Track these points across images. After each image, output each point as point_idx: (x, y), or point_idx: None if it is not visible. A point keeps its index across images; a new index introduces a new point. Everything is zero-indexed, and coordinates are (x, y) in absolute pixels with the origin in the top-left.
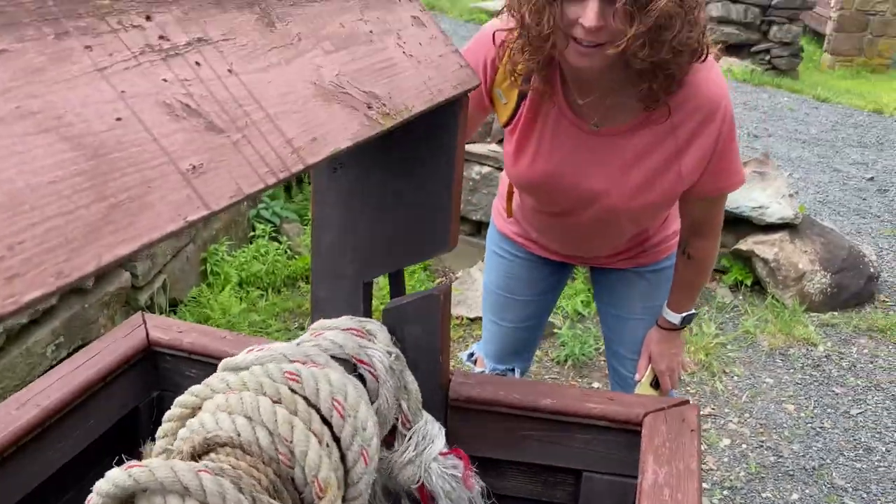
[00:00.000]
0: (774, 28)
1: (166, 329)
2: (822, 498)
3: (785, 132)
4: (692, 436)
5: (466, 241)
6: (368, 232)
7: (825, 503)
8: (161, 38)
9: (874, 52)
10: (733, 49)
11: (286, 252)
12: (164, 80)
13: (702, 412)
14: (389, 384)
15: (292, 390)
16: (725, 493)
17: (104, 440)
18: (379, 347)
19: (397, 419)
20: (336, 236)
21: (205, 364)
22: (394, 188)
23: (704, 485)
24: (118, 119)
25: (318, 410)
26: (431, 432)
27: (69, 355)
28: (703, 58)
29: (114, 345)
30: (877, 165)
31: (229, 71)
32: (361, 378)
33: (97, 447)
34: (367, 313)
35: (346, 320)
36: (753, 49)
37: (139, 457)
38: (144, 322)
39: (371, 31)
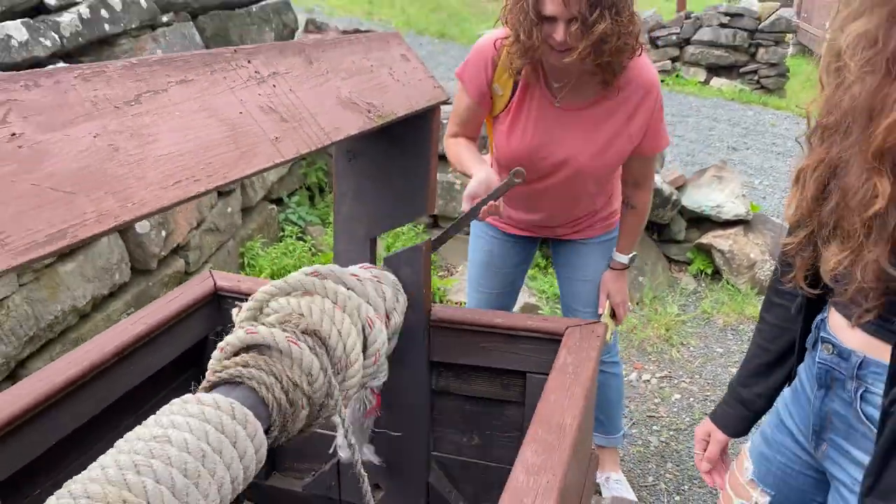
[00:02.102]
0: (762, 50)
1: (229, 280)
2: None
3: (763, 145)
4: (597, 340)
5: (465, 240)
6: (374, 202)
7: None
8: (256, 72)
9: None
10: (723, 70)
11: (311, 249)
12: (259, 94)
13: (659, 374)
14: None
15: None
16: (671, 433)
17: (182, 359)
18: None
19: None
20: (351, 206)
21: None
22: (390, 172)
23: (654, 427)
24: (240, 113)
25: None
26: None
27: None
28: (638, 54)
29: (192, 289)
30: None
31: (290, 90)
32: None
33: (176, 363)
34: (373, 261)
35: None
36: (742, 70)
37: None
38: (212, 276)
39: (371, 66)
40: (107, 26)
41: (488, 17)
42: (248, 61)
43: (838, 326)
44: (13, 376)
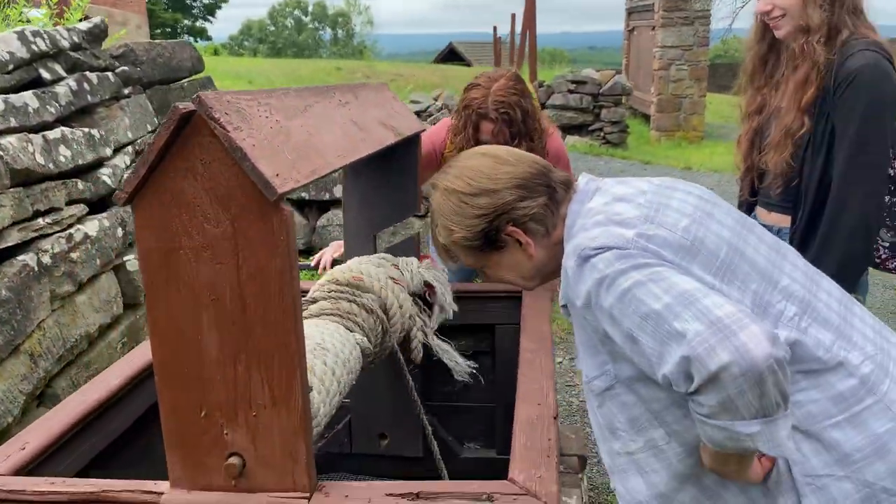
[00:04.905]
0: (604, 111)
1: None
2: None
3: None
4: (547, 293)
5: None
6: (374, 208)
7: None
8: (339, 100)
9: (689, 127)
10: (575, 129)
11: None
12: (345, 112)
13: (569, 357)
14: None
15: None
16: None
17: None
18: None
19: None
20: (357, 211)
21: None
22: (387, 183)
23: (573, 391)
24: (343, 122)
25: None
26: (412, 264)
27: (129, 350)
28: (549, 133)
29: None
30: None
31: (356, 112)
32: None
33: None
34: (374, 252)
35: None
36: (590, 128)
37: None
38: None
39: (383, 102)
40: (88, 97)
41: None
42: (334, 93)
43: (762, 213)
44: (42, 395)
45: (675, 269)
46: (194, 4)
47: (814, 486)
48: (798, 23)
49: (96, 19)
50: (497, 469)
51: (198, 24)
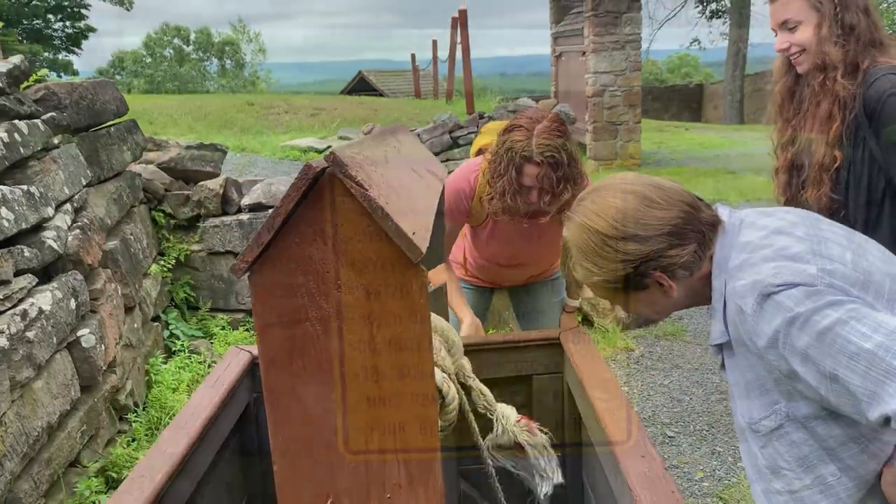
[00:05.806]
0: None
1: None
2: (656, 431)
3: None
4: (586, 336)
5: None
6: None
7: (659, 434)
8: (393, 146)
9: (626, 154)
10: None
11: (205, 361)
12: (402, 158)
13: None
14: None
15: None
16: None
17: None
18: None
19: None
20: None
21: None
22: None
23: None
24: (407, 169)
25: None
26: (505, 412)
27: (91, 439)
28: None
29: (230, 365)
30: None
31: (407, 156)
32: None
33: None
34: None
35: None
36: None
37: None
38: (242, 348)
39: (418, 145)
40: (21, 149)
41: (287, 129)
42: (387, 139)
43: None
44: (4, 503)
45: (866, 304)
46: (55, 35)
47: None
48: (815, 60)
49: (16, 59)
50: None
51: (60, 56)
